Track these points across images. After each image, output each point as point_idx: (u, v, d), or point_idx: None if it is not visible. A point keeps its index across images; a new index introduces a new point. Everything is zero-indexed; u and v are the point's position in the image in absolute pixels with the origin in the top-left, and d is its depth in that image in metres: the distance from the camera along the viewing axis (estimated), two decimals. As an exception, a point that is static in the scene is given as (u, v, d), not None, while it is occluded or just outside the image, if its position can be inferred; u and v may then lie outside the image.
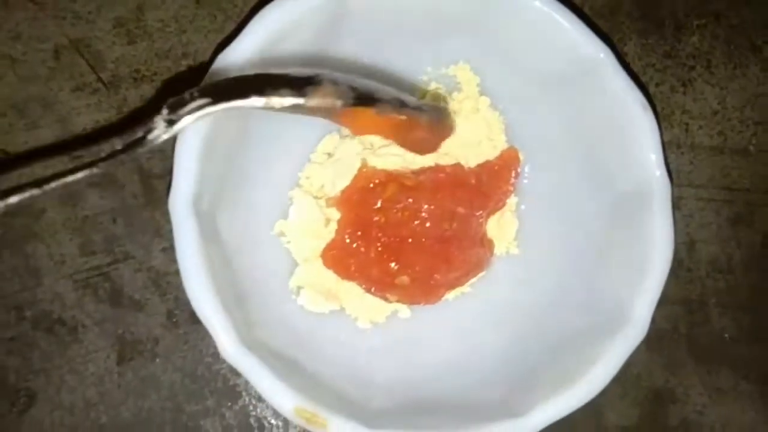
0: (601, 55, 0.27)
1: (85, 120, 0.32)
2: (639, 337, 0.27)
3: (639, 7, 0.35)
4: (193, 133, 0.25)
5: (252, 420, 0.32)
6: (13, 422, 0.31)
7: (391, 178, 0.30)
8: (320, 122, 0.31)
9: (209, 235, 0.26)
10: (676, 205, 0.34)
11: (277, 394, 0.25)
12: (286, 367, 0.26)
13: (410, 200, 0.29)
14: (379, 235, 0.29)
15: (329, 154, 0.31)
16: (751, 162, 0.35)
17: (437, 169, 0.30)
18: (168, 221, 0.32)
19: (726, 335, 0.34)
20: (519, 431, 0.26)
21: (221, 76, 0.26)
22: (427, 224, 0.29)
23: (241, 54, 0.26)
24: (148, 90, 0.32)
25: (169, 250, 0.32)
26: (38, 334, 0.31)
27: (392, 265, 0.29)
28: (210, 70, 0.27)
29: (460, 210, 0.30)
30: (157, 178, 0.32)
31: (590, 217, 0.30)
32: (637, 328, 0.27)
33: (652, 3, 0.35)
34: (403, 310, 0.31)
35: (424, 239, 0.29)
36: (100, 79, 0.32)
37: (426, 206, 0.29)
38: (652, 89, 0.35)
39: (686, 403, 0.34)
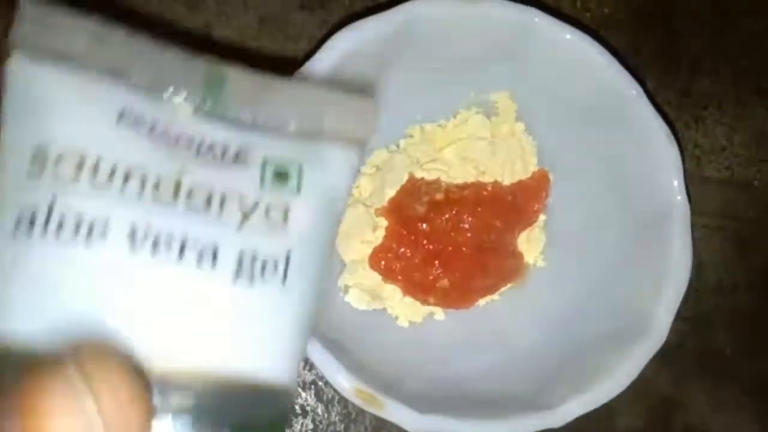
0: (633, 92, 0.31)
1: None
2: (657, 345, 0.29)
3: (659, 47, 0.39)
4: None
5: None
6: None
7: (439, 188, 0.32)
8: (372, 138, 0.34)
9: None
10: (687, 230, 0.38)
11: (339, 374, 0.27)
12: (340, 353, 0.29)
13: (454, 212, 0.32)
14: (425, 242, 0.32)
15: (378, 167, 0.34)
16: (756, 195, 0.38)
17: (479, 185, 0.33)
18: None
19: (728, 351, 0.37)
20: (549, 423, 0.28)
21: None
22: (468, 234, 0.32)
23: (319, 69, 0.29)
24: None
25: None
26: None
27: (435, 269, 0.32)
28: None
29: (498, 224, 0.33)
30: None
31: (613, 235, 0.33)
32: (656, 337, 0.29)
33: (671, 45, 0.39)
34: (439, 313, 0.34)
35: (464, 248, 0.32)
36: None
37: (468, 218, 0.32)
38: (667, 124, 0.38)
39: (690, 412, 0.36)
